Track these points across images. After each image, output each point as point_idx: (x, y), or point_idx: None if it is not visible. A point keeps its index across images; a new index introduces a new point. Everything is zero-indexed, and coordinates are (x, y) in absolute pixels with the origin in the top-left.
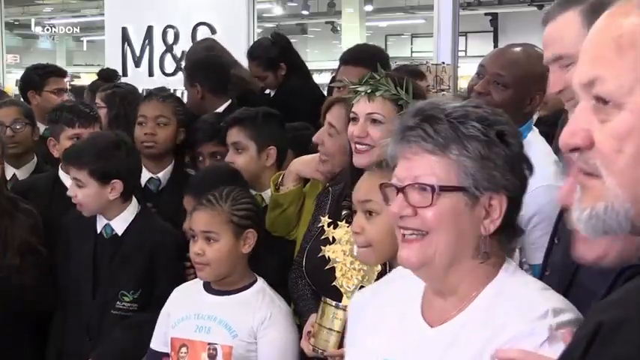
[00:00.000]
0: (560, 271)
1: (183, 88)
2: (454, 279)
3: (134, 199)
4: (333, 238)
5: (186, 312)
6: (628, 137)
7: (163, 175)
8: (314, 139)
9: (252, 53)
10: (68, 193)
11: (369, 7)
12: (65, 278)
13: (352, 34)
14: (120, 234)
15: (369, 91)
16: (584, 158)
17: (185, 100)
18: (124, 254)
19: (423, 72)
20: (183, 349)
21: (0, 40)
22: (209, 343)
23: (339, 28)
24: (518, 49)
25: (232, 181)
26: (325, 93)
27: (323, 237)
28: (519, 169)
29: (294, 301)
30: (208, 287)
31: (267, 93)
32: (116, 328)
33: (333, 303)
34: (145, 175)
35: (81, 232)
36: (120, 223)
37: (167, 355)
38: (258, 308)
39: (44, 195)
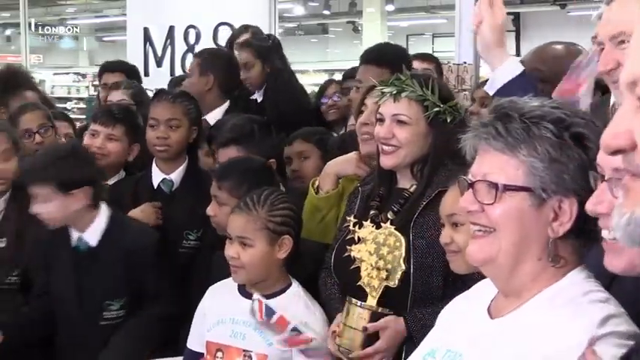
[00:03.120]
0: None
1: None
2: (519, 279)
3: (103, 206)
4: (359, 237)
5: (221, 316)
6: None
7: (176, 175)
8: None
9: (246, 40)
10: (31, 211)
11: (390, 7)
12: (49, 294)
13: (373, 33)
14: (95, 245)
15: (394, 92)
16: (628, 160)
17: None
18: (102, 265)
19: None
20: (219, 354)
21: (24, 40)
22: (244, 350)
23: (360, 28)
24: (558, 45)
25: (262, 174)
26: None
27: (349, 237)
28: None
29: (323, 301)
30: (243, 290)
31: (253, 99)
32: (115, 337)
33: (359, 303)
34: (158, 176)
35: (57, 246)
36: (93, 235)
37: (202, 355)
38: (293, 316)
39: None
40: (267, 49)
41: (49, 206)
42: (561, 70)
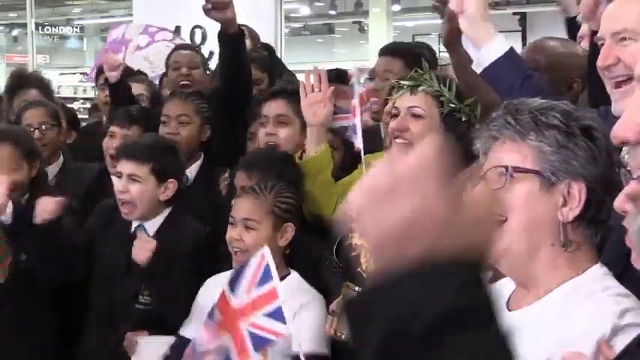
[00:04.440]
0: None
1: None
2: (535, 266)
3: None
4: None
5: None
6: None
7: (190, 171)
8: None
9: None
10: (117, 188)
11: (396, 7)
12: (95, 275)
13: (379, 33)
14: (151, 235)
15: (411, 84)
16: (634, 154)
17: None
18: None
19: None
20: None
21: (31, 40)
22: None
23: (366, 28)
24: (552, 41)
25: (283, 165)
26: None
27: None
28: (603, 162)
29: (327, 288)
30: None
31: None
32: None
33: (356, 288)
34: None
35: (114, 229)
36: (152, 226)
37: (189, 341)
38: (295, 298)
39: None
40: (269, 60)
41: (139, 187)
42: (557, 61)
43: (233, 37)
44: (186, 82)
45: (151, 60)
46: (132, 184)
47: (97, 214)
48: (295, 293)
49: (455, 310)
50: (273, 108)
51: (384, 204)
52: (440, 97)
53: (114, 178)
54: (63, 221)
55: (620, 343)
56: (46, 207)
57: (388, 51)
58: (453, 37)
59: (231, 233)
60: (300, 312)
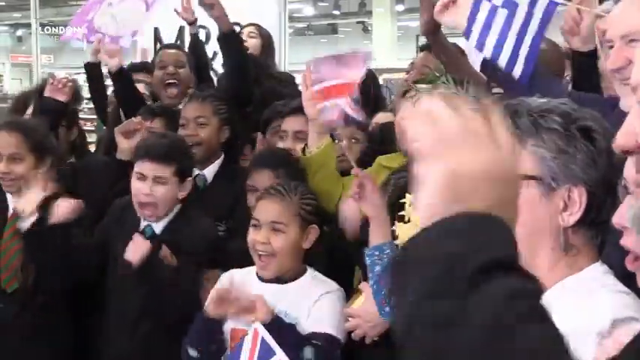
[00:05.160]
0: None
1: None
2: (535, 271)
3: None
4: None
5: None
6: None
7: (209, 171)
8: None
9: None
10: (140, 190)
11: (400, 7)
12: (109, 274)
13: (383, 33)
14: (158, 233)
15: (428, 87)
16: (635, 162)
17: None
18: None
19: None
20: (246, 338)
21: (35, 41)
22: None
23: (369, 28)
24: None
25: (290, 165)
26: None
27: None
28: (603, 165)
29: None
30: (261, 277)
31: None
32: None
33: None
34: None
35: (124, 229)
36: (160, 223)
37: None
38: (315, 290)
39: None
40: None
41: (165, 189)
42: (544, 60)
43: (226, 34)
44: (172, 81)
45: (117, 20)
46: (157, 187)
47: (110, 215)
48: (311, 288)
49: (504, 257)
50: (292, 124)
51: (461, 149)
52: None
53: (134, 179)
54: (76, 222)
55: (622, 337)
56: (64, 209)
57: (428, 47)
58: (433, 27)
59: (256, 236)
60: (319, 299)
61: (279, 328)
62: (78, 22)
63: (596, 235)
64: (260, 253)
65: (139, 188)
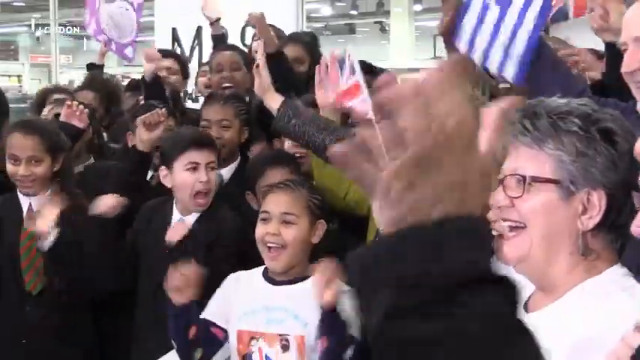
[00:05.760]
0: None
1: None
2: (554, 273)
3: None
4: None
5: (252, 306)
6: None
7: (226, 171)
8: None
9: (292, 36)
10: (199, 179)
11: (417, 7)
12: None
13: (401, 33)
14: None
15: None
16: None
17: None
18: (190, 246)
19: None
20: (254, 342)
21: (54, 41)
22: (280, 335)
23: (387, 28)
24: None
25: (293, 164)
26: None
27: None
28: (623, 167)
29: None
30: (268, 278)
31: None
32: None
33: None
34: None
35: (154, 229)
36: (192, 217)
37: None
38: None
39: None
40: (311, 45)
41: (214, 174)
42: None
43: (271, 55)
44: (227, 85)
45: (115, 20)
46: (211, 173)
47: (139, 219)
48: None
49: (481, 268)
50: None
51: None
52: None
53: (181, 172)
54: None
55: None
56: (106, 203)
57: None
58: (450, 29)
59: (266, 229)
60: None
61: (336, 321)
62: (92, 13)
63: (615, 238)
64: (270, 245)
65: (196, 178)
